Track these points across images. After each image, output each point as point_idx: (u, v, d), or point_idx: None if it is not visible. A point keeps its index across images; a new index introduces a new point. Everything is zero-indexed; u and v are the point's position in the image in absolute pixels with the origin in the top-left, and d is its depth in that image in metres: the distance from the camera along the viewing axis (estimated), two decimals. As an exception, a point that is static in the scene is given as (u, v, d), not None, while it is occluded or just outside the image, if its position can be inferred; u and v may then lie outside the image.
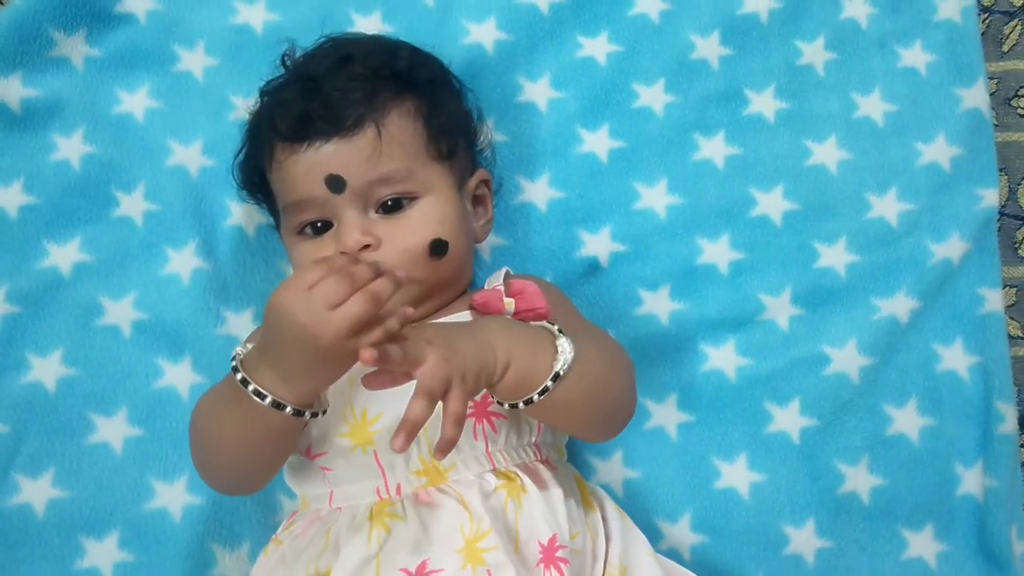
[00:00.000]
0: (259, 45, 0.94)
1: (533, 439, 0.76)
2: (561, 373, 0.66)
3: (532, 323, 0.71)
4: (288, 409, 0.64)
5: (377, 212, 0.75)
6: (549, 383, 0.66)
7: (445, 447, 0.62)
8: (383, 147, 0.74)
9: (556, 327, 0.69)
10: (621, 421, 0.76)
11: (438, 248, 0.75)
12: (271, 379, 0.63)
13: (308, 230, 0.76)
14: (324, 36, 0.83)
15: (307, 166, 0.74)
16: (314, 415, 0.66)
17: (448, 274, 0.78)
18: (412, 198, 0.76)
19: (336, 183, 0.73)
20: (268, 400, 0.63)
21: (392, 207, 0.75)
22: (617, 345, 0.79)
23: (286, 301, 0.60)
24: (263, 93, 0.82)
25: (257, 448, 0.69)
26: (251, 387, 0.63)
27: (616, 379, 0.74)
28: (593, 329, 0.81)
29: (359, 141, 0.74)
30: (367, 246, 0.73)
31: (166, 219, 0.90)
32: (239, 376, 0.64)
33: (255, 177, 0.82)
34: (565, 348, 0.67)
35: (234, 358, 0.65)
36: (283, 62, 0.83)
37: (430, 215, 0.76)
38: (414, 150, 0.77)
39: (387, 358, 0.59)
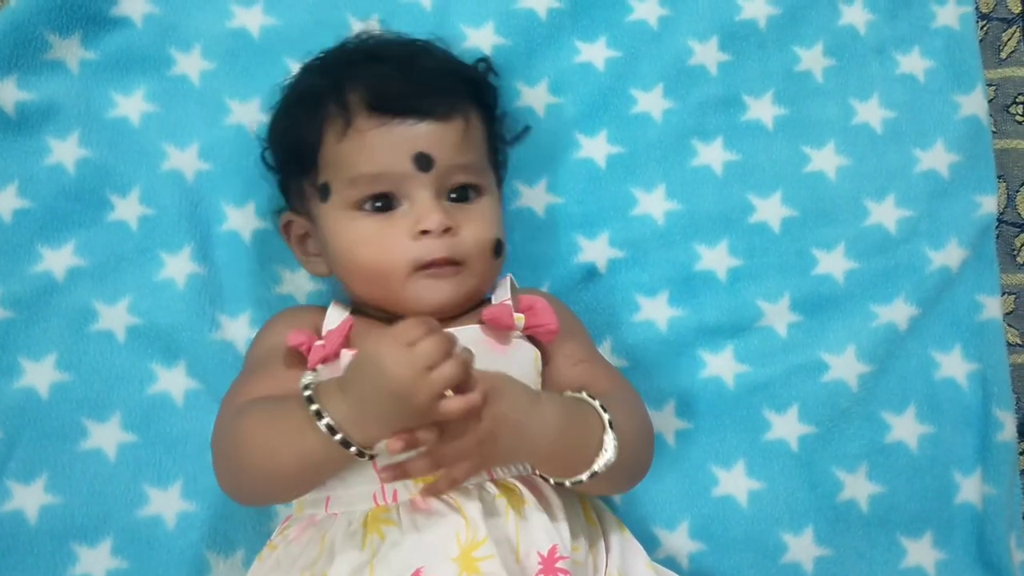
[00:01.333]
0: (255, 49, 0.94)
1: None
2: (598, 472, 0.68)
3: (586, 401, 0.71)
4: (353, 449, 0.63)
5: (447, 200, 0.76)
6: (584, 477, 0.69)
7: (431, 491, 0.67)
8: (469, 137, 0.77)
9: (608, 418, 0.70)
10: (638, 480, 0.78)
11: (499, 248, 0.78)
12: (344, 417, 0.63)
13: (368, 206, 0.76)
14: (365, 33, 0.87)
15: (396, 140, 0.75)
16: (370, 458, 0.65)
17: (493, 277, 0.80)
18: (479, 192, 0.78)
19: (425, 161, 0.74)
20: (339, 437, 0.63)
21: (460, 197, 0.77)
22: (638, 399, 0.79)
23: (389, 355, 0.61)
24: (327, 65, 0.83)
25: (303, 476, 0.69)
26: (324, 421, 0.63)
27: (643, 449, 0.77)
28: (611, 371, 0.82)
29: (451, 126, 0.76)
30: (447, 230, 0.74)
31: (161, 223, 0.89)
32: (314, 408, 0.63)
33: (299, 146, 0.79)
34: (609, 448, 0.69)
35: (306, 388, 0.65)
36: (349, 41, 0.85)
37: (493, 213, 0.79)
38: (485, 150, 0.81)
39: (417, 444, 0.62)
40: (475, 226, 0.76)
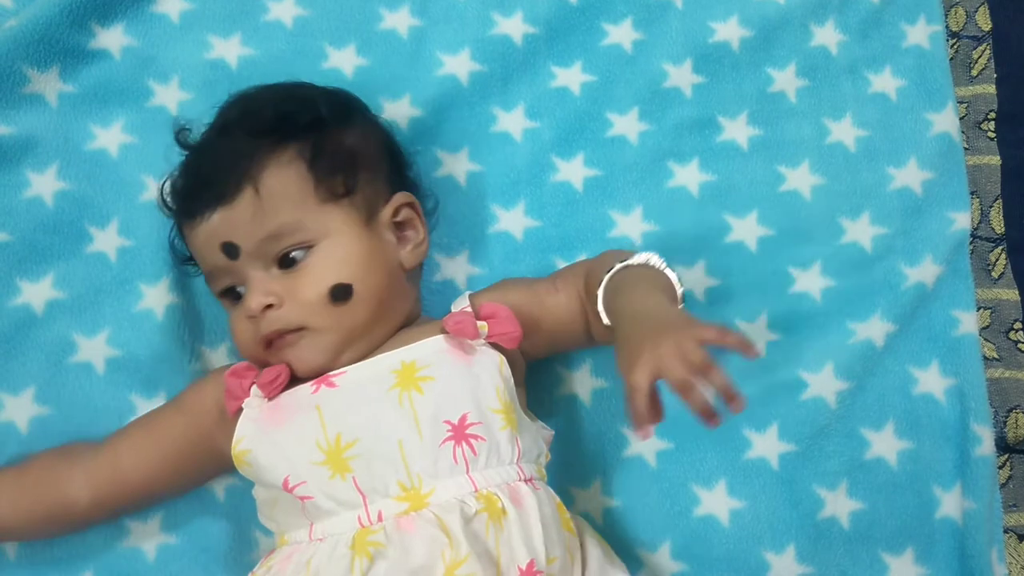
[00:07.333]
0: (233, 79, 0.94)
1: (515, 458, 0.75)
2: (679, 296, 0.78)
3: (635, 271, 0.78)
4: None
5: (278, 268, 0.76)
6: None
7: (638, 421, 0.67)
8: (264, 204, 0.75)
9: (662, 264, 0.79)
10: None
11: (340, 293, 0.75)
12: None
13: (228, 296, 0.79)
14: (232, 94, 0.84)
15: (204, 238, 0.77)
16: None
17: (363, 315, 0.76)
18: (307, 247, 0.76)
19: (230, 250, 0.76)
20: None
21: (287, 262, 0.76)
22: None
23: None
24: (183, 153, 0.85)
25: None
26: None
27: None
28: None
29: (239, 205, 0.76)
30: (269, 306, 0.75)
31: (140, 255, 0.89)
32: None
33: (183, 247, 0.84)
34: (678, 286, 0.78)
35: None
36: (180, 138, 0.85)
37: (328, 261, 0.76)
38: (301, 198, 0.77)
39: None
40: (300, 287, 0.75)
